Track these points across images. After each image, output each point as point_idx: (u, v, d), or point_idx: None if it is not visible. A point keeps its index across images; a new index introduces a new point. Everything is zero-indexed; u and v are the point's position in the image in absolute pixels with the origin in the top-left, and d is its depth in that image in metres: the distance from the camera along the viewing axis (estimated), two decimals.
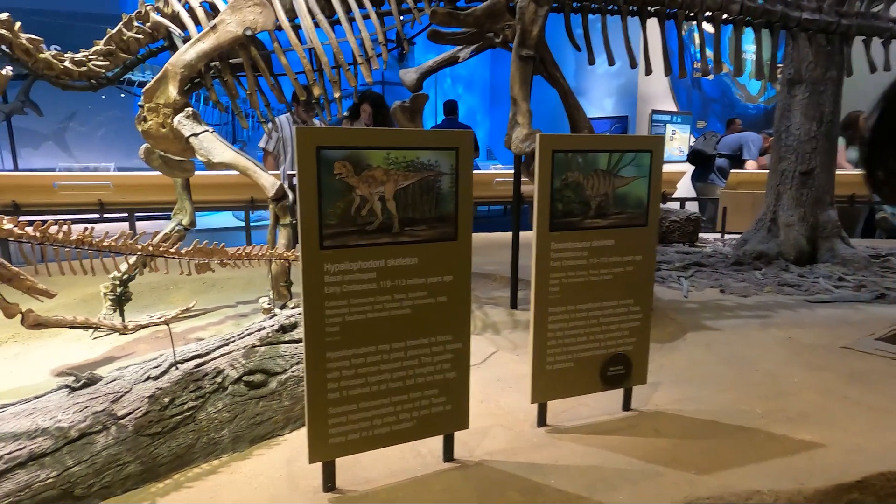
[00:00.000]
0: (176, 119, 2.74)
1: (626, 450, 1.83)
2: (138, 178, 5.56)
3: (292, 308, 2.36)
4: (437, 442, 1.76)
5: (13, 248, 4.47)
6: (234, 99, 3.04)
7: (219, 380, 1.81)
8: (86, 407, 1.61)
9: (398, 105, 3.27)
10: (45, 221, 1.73)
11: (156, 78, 2.77)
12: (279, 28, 2.96)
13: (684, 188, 8.56)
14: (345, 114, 5.83)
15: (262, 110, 3.10)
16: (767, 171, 4.73)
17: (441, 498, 1.58)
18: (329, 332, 1.51)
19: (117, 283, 3.05)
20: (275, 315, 2.17)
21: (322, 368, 1.52)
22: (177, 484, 1.63)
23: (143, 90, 2.81)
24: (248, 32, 2.81)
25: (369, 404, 1.59)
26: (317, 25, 2.99)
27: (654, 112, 9.94)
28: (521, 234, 3.37)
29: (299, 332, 2.07)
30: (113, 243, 1.89)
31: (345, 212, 1.48)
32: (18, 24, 2.56)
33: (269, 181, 2.66)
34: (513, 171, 3.41)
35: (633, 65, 3.38)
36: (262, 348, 1.97)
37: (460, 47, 3.54)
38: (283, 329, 2.06)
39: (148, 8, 2.91)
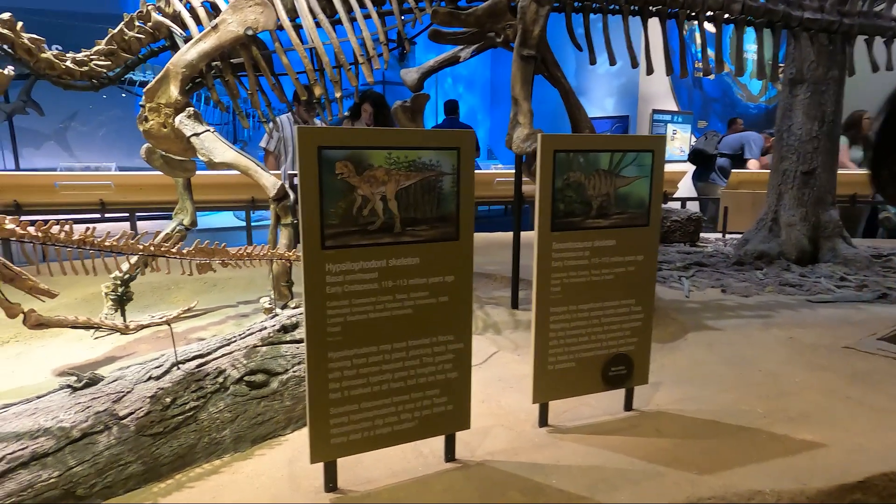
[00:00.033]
0: (177, 119, 2.74)
1: (627, 450, 1.82)
2: (139, 178, 5.57)
3: (293, 308, 2.36)
4: (438, 442, 1.76)
5: (15, 247, 4.48)
6: (235, 98, 3.04)
7: (220, 380, 1.81)
8: (88, 407, 1.62)
9: (399, 105, 3.27)
10: (46, 221, 1.73)
11: (157, 78, 2.78)
12: (280, 28, 2.96)
13: (685, 188, 8.56)
14: (346, 113, 5.83)
15: (263, 110, 3.10)
16: (769, 170, 4.72)
17: (442, 498, 1.58)
18: (331, 332, 1.51)
19: (118, 282, 3.05)
20: (276, 315, 2.17)
21: (324, 368, 1.52)
22: (178, 484, 1.63)
23: (144, 90, 2.81)
24: (250, 32, 2.81)
25: (371, 404, 1.59)
26: (318, 25, 2.99)
27: (655, 112, 9.94)
28: (522, 233, 3.37)
29: (301, 332, 2.07)
30: (114, 243, 1.89)
31: (346, 212, 1.48)
32: (20, 23, 2.56)
33: (270, 181, 2.66)
34: (513, 171, 3.41)
35: (635, 64, 3.38)
36: (264, 348, 1.97)
37: (461, 47, 3.54)
38: (285, 329, 2.06)
39: (149, 8, 2.91)
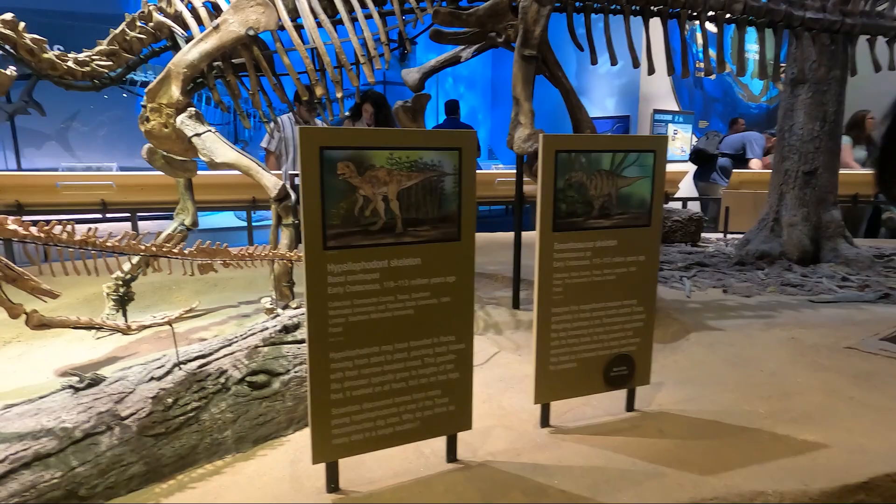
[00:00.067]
0: (178, 119, 2.75)
1: (629, 450, 1.82)
2: (141, 178, 5.57)
3: (295, 308, 2.36)
4: (440, 442, 1.76)
5: (17, 248, 4.48)
6: (236, 98, 3.04)
7: (222, 380, 1.81)
8: (90, 407, 1.62)
9: (400, 105, 3.27)
10: (48, 221, 1.73)
11: (158, 78, 2.78)
12: (282, 27, 2.96)
13: (687, 188, 8.55)
14: (346, 114, 5.84)
15: (264, 110, 3.10)
16: (770, 170, 4.72)
17: (444, 498, 1.58)
18: (332, 333, 1.51)
19: (120, 283, 3.05)
20: (277, 315, 2.17)
21: (325, 369, 1.52)
22: (180, 484, 1.63)
23: (145, 90, 2.81)
24: (251, 32, 2.81)
25: (372, 405, 1.59)
26: (319, 25, 2.99)
27: (656, 112, 9.93)
28: (524, 234, 3.37)
29: (302, 333, 2.06)
30: (116, 243, 1.89)
31: (348, 212, 1.48)
32: (23, 24, 2.56)
33: (271, 181, 2.66)
34: (514, 171, 3.41)
35: (636, 64, 3.38)
36: (265, 349, 1.97)
37: (462, 47, 3.54)
38: (286, 329, 2.06)
39: (151, 8, 2.91)
